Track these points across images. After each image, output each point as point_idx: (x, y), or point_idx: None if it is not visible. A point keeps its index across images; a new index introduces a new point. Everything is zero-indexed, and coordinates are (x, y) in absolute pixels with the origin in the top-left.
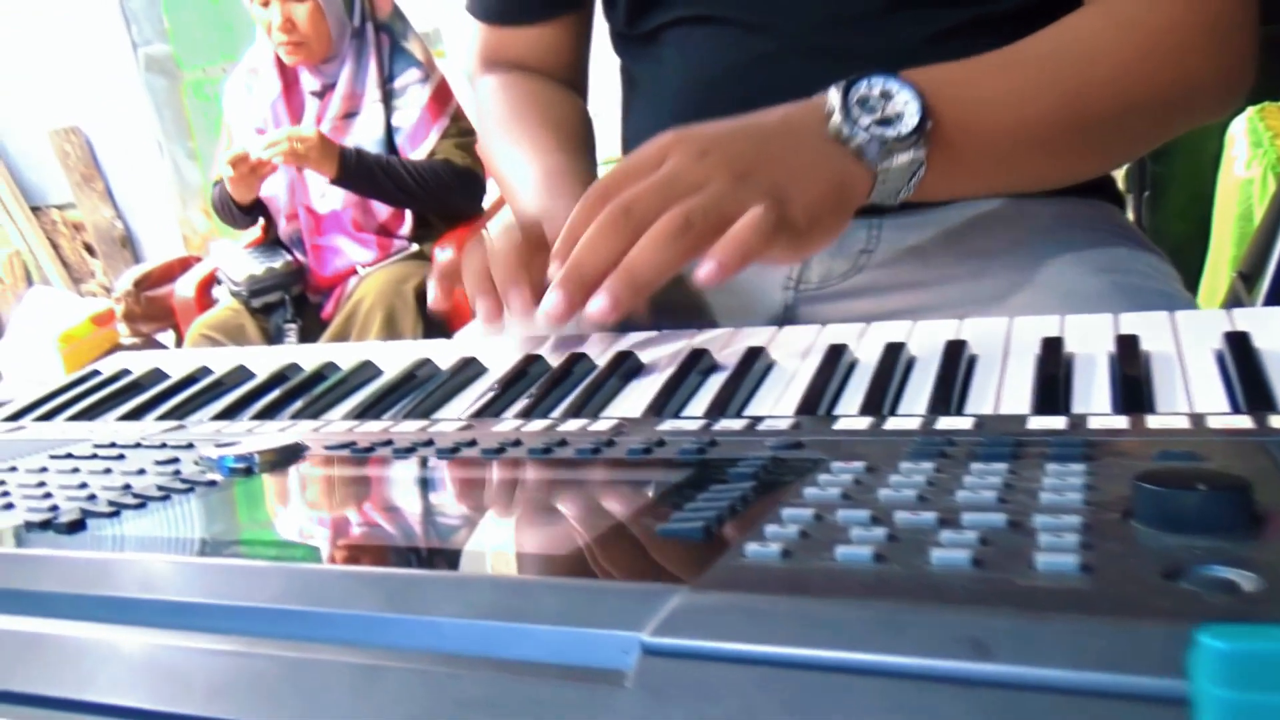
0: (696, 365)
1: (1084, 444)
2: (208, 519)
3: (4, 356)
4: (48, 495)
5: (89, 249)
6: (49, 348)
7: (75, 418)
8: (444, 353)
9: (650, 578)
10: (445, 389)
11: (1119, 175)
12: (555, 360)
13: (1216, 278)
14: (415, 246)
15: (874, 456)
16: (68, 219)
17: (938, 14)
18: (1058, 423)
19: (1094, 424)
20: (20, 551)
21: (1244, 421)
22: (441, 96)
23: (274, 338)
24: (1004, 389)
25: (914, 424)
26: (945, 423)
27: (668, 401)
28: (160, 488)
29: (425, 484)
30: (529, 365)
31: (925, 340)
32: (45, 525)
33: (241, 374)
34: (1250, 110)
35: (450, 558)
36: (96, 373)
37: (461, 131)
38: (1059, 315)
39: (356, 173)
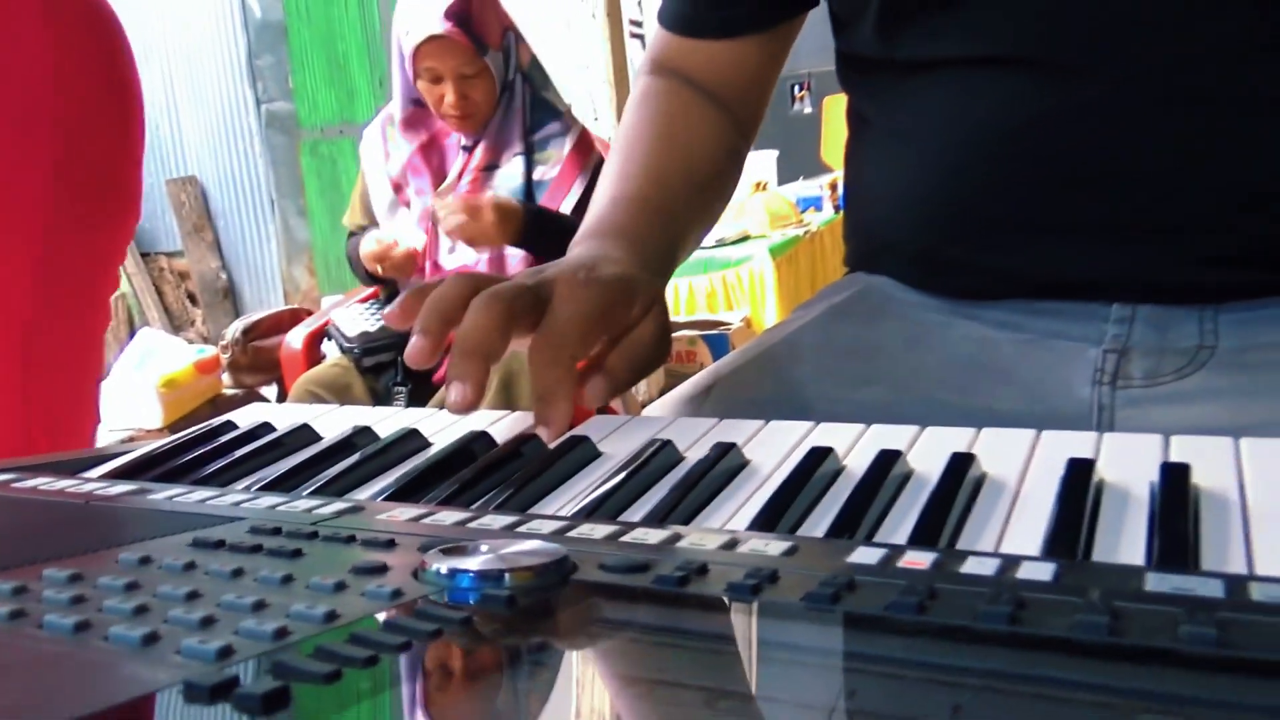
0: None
1: None
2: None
3: (105, 398)
4: (208, 622)
5: (191, 298)
6: (149, 392)
7: (210, 478)
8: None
9: None
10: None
11: None
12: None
13: None
14: None
15: None
16: (175, 266)
17: None
18: None
19: None
20: None
21: None
22: (583, 148)
23: (381, 399)
24: None
25: None
26: None
27: (1077, 531)
28: (390, 626)
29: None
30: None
31: None
32: (219, 692)
33: (416, 440)
34: None
35: None
36: (232, 424)
37: None
38: None
39: (534, 228)
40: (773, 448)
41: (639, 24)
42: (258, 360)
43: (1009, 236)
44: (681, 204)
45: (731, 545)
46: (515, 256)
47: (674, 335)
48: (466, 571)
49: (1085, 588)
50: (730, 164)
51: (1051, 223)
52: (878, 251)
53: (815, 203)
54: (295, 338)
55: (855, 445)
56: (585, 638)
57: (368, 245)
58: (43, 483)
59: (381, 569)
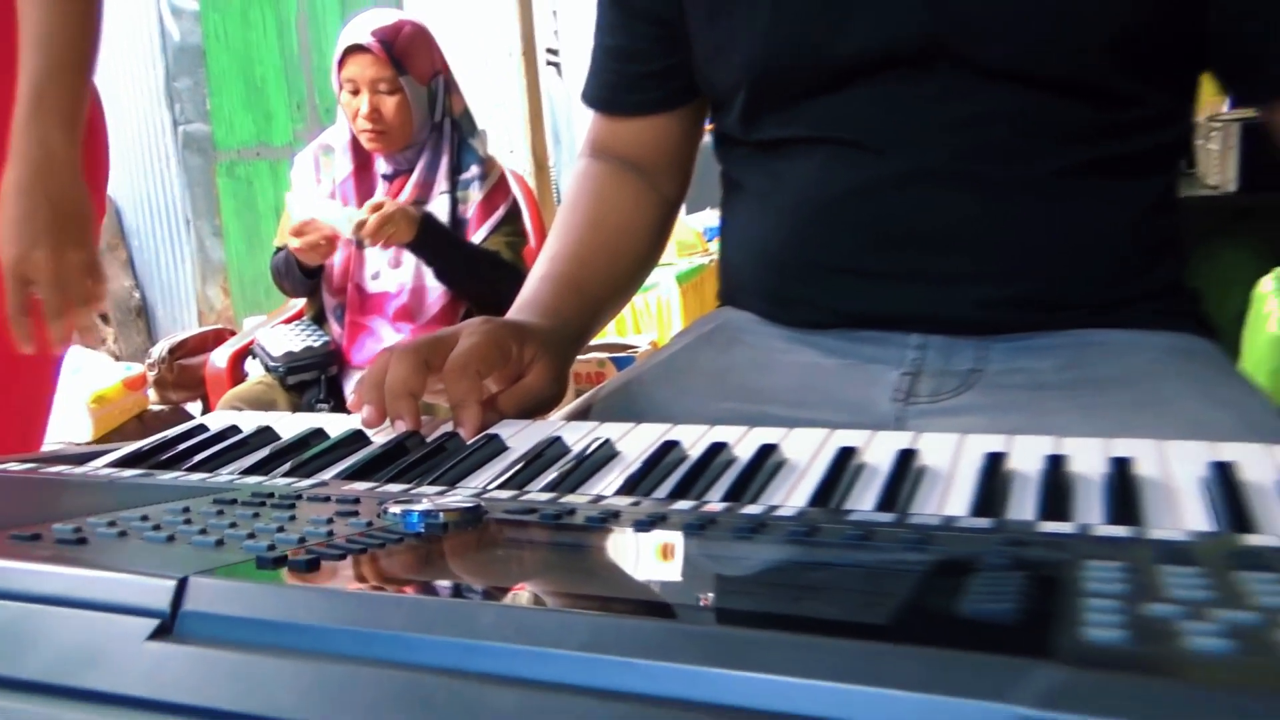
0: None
1: None
2: (460, 567)
3: None
4: (250, 536)
5: (104, 316)
6: (80, 406)
7: (197, 466)
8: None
9: (993, 651)
10: (585, 466)
11: None
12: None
13: None
14: None
15: (1123, 555)
16: None
17: (1074, 149)
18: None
19: None
20: (287, 586)
21: None
22: (497, 193)
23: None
24: (1181, 505)
25: (1122, 531)
26: (1111, 530)
27: (831, 495)
28: (373, 535)
29: (662, 551)
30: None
31: (1083, 454)
32: (279, 563)
33: (359, 439)
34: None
35: (752, 618)
36: (204, 428)
37: (514, 232)
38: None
39: (431, 234)
40: (637, 443)
41: (555, 52)
42: (183, 378)
43: (836, 280)
44: (600, 281)
45: (596, 501)
46: (435, 292)
47: (584, 358)
48: (414, 511)
49: (824, 523)
50: (654, 235)
51: (868, 270)
52: (738, 289)
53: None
54: (220, 357)
55: (697, 441)
56: (492, 547)
57: (302, 213)
58: (64, 470)
59: (355, 513)
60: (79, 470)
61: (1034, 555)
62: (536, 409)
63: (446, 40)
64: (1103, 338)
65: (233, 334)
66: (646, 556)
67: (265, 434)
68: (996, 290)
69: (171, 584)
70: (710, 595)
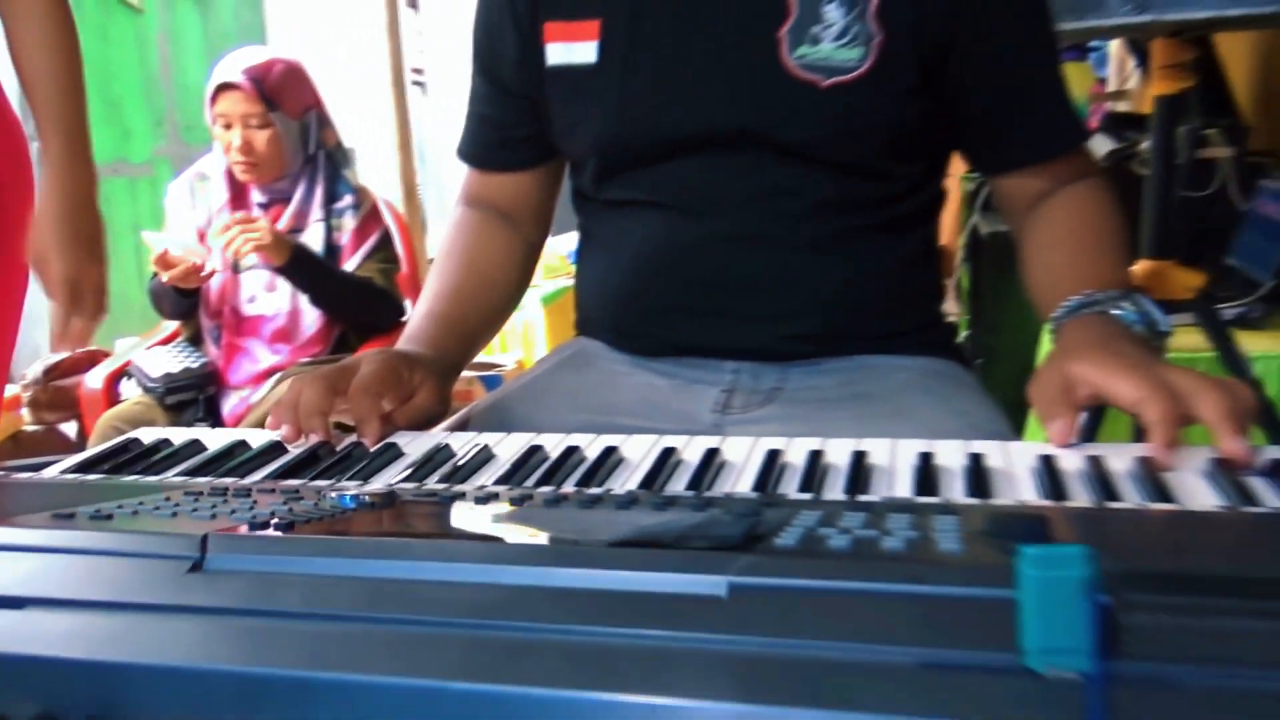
0: (670, 459)
1: (951, 507)
2: (385, 526)
3: None
4: (233, 512)
5: None
6: None
7: (143, 472)
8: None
9: (722, 551)
10: (467, 466)
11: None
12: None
13: (1038, 432)
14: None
15: (828, 508)
16: None
17: (851, 216)
18: (935, 500)
19: (957, 500)
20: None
21: (1048, 503)
22: (370, 221)
23: None
24: (895, 482)
25: (843, 497)
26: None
27: (654, 481)
28: (321, 510)
29: (525, 517)
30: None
31: (840, 451)
32: (262, 526)
33: (278, 449)
34: None
35: (583, 543)
36: (137, 441)
37: (386, 259)
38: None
39: (303, 262)
40: (509, 448)
41: (420, 71)
42: (57, 399)
43: (667, 317)
44: (472, 317)
45: (480, 490)
46: (310, 315)
47: None
48: (347, 495)
49: (641, 497)
50: (520, 275)
51: (691, 310)
52: (590, 322)
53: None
54: (95, 378)
55: (556, 446)
56: (406, 516)
57: (158, 248)
58: (33, 476)
59: (301, 498)
60: (48, 475)
61: (777, 512)
62: (425, 423)
63: (317, 69)
64: (875, 362)
65: (107, 355)
66: (516, 519)
67: (194, 445)
68: (792, 327)
69: (198, 537)
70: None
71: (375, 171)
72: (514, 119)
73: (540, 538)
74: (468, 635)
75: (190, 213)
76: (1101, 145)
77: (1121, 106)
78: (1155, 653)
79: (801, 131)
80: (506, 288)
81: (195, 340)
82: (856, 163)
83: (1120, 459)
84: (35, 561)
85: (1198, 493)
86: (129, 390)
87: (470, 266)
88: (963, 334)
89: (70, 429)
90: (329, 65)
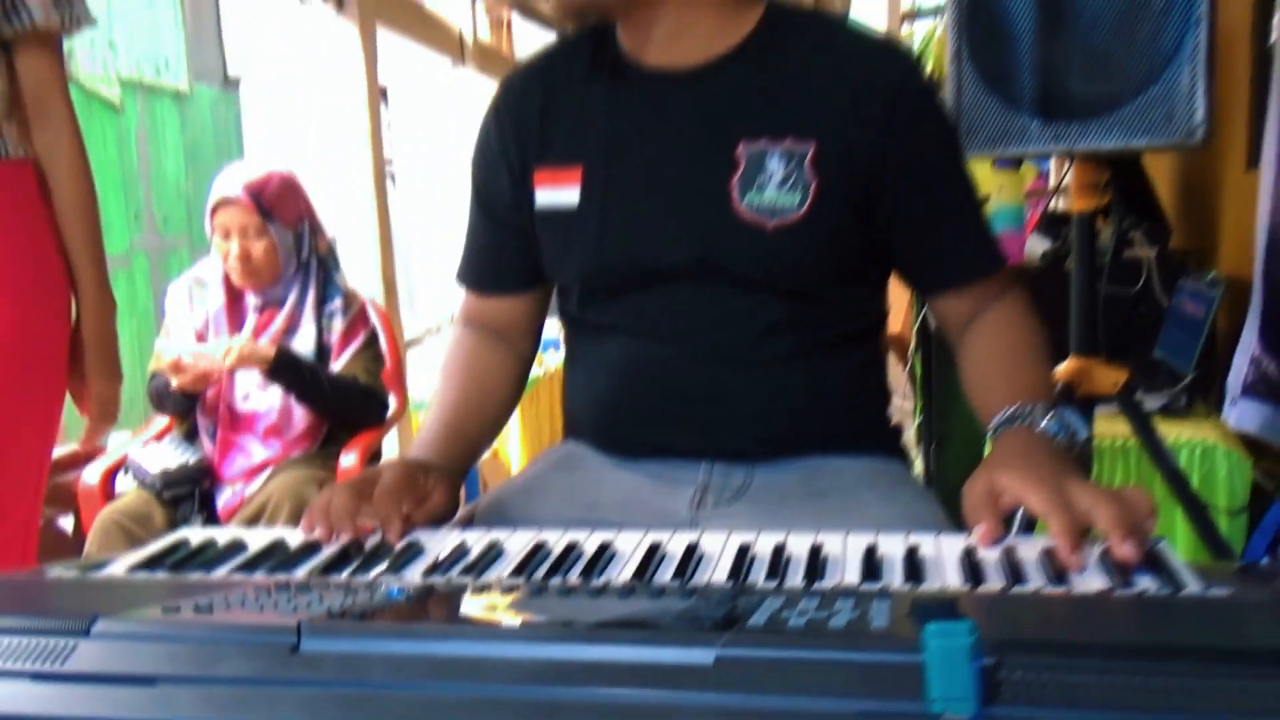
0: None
1: (886, 593)
2: (429, 612)
3: None
4: (309, 605)
5: None
6: None
7: (202, 569)
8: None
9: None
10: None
11: (911, 430)
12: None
13: None
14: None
15: (790, 594)
16: None
17: (802, 335)
18: (874, 586)
19: (894, 586)
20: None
21: (966, 587)
22: (358, 322)
23: (181, 526)
24: (846, 569)
25: (802, 585)
26: (817, 586)
27: (645, 571)
28: (378, 602)
29: (546, 604)
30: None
31: (800, 544)
32: (344, 616)
33: (312, 546)
34: None
35: (596, 626)
36: (186, 541)
37: (373, 357)
38: (873, 532)
39: (286, 366)
40: (517, 543)
41: (389, 162)
42: (54, 494)
43: (646, 425)
44: (476, 425)
45: (500, 580)
46: (300, 411)
47: None
48: (394, 588)
49: (636, 587)
50: (514, 386)
51: (667, 417)
52: (577, 427)
53: (554, 344)
54: (92, 474)
55: (557, 541)
56: (443, 604)
57: (170, 355)
58: (98, 574)
59: (356, 592)
60: (112, 574)
61: (747, 599)
62: (438, 520)
63: (293, 164)
64: (828, 463)
65: (101, 452)
66: (540, 606)
67: (238, 544)
68: (756, 431)
69: (294, 623)
70: (574, 621)
71: (351, 262)
72: (507, 247)
73: (566, 620)
74: (519, 699)
75: (189, 316)
76: (1038, 245)
77: (1061, 204)
78: (1026, 699)
79: (752, 266)
80: (503, 400)
81: (189, 435)
82: (803, 289)
83: (1030, 550)
84: (157, 647)
85: (1089, 577)
86: (124, 484)
87: (471, 383)
88: (916, 419)
89: (67, 523)
90: (304, 160)
